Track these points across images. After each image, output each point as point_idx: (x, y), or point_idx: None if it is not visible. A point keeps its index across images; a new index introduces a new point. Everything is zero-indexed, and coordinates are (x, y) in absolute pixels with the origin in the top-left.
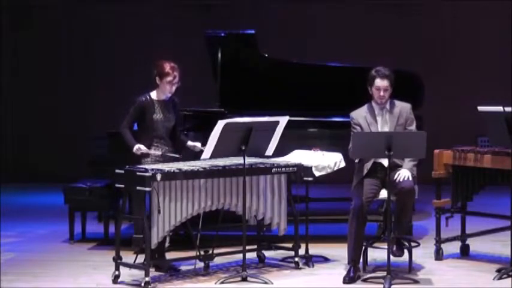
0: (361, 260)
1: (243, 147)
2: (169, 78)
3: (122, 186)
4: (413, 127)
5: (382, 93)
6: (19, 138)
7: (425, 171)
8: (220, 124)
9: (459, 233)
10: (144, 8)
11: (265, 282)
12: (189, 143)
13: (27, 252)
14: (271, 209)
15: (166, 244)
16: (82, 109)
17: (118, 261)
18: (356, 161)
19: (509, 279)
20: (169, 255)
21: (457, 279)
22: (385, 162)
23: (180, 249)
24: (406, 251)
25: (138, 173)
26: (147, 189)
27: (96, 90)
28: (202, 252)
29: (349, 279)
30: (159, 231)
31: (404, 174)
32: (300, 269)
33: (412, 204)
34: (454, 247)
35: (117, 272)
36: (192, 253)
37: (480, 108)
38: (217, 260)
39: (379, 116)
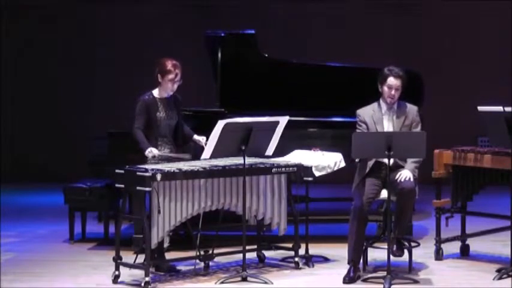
0: (361, 260)
1: (243, 147)
2: (171, 76)
3: (122, 186)
4: (418, 129)
5: (393, 92)
6: (19, 138)
7: (425, 171)
8: (220, 124)
9: (459, 233)
10: (144, 8)
11: (265, 282)
12: (195, 136)
13: (27, 252)
14: (271, 209)
15: (166, 244)
16: (82, 109)
17: (118, 261)
18: (356, 160)
19: (509, 279)
20: (169, 255)
21: (457, 279)
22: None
23: (180, 249)
24: (406, 251)
25: (138, 173)
26: (147, 189)
27: (96, 90)
28: (202, 252)
29: (349, 279)
30: (159, 231)
31: (405, 174)
32: (300, 269)
33: (413, 205)
34: (454, 247)
35: (117, 272)
36: (192, 253)
37: (480, 108)
38: (217, 260)
39: (386, 116)
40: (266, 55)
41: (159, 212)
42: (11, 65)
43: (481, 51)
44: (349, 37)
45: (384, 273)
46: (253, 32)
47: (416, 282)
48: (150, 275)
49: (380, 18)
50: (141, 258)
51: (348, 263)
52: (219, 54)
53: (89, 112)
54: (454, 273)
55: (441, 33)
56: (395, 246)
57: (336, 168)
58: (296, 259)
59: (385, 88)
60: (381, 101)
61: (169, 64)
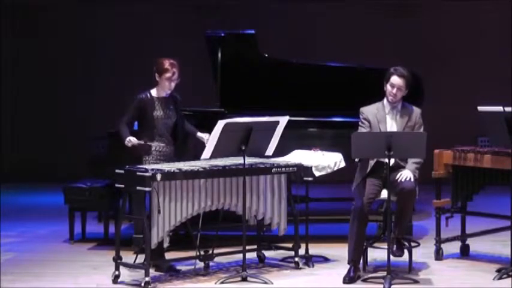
0: (361, 260)
1: (243, 147)
2: (168, 75)
3: (122, 186)
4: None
5: (395, 90)
6: (19, 138)
7: (425, 171)
8: (220, 124)
9: (459, 233)
10: (144, 8)
11: (265, 282)
12: (199, 133)
13: (27, 252)
14: (271, 209)
15: (166, 244)
16: (82, 109)
17: (118, 261)
18: (356, 160)
19: (509, 279)
20: (169, 255)
21: (457, 279)
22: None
23: (180, 249)
24: (406, 251)
25: (138, 173)
26: (147, 189)
27: (96, 90)
28: (202, 252)
29: (349, 279)
30: (159, 231)
31: (406, 175)
32: (300, 269)
33: (413, 205)
34: (454, 247)
35: (117, 272)
36: (192, 253)
37: (480, 108)
38: (217, 260)
39: (390, 115)
40: (266, 55)
41: (159, 212)
42: (11, 65)
43: (481, 51)
44: (349, 37)
45: (384, 273)
46: (253, 32)
47: (416, 282)
48: (150, 275)
49: (380, 19)
50: (141, 258)
51: (348, 263)
52: (219, 54)
53: (89, 112)
54: (454, 273)
55: (441, 33)
56: (395, 246)
57: (336, 168)
58: (296, 259)
59: (388, 86)
60: (385, 100)
61: (166, 63)
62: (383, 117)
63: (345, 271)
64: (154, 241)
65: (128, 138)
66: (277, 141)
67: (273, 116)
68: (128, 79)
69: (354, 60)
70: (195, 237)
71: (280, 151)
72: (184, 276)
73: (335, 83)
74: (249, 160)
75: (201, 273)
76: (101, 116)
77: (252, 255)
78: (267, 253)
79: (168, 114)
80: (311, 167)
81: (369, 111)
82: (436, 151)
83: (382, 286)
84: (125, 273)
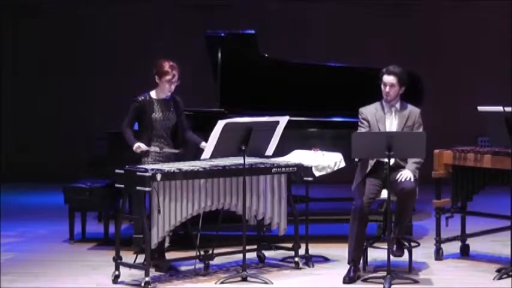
0: (361, 260)
1: (243, 147)
2: (168, 77)
3: (122, 186)
4: (420, 131)
5: (388, 88)
6: (19, 138)
7: (425, 171)
8: (220, 124)
9: (459, 233)
10: (144, 8)
11: (265, 282)
12: (203, 144)
13: (27, 252)
14: (271, 209)
15: (166, 244)
16: (82, 109)
17: (118, 261)
18: (356, 159)
19: (509, 279)
20: (169, 255)
21: (457, 279)
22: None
23: (180, 249)
24: (406, 251)
25: (138, 173)
26: (147, 189)
27: (96, 90)
28: (202, 252)
29: (349, 279)
30: (159, 231)
31: (406, 175)
32: (300, 269)
33: (413, 205)
34: (454, 247)
35: (117, 272)
36: (192, 253)
37: (480, 108)
38: (217, 260)
39: (388, 115)
40: (266, 55)
41: (159, 212)
42: (11, 65)
43: (481, 51)
44: (349, 37)
45: (384, 273)
46: (253, 32)
47: (416, 282)
48: (150, 275)
49: (380, 18)
50: (141, 258)
51: (348, 263)
52: (219, 54)
53: (89, 112)
54: (454, 273)
55: (441, 33)
56: (395, 246)
57: (336, 168)
58: (296, 259)
59: (382, 86)
60: (383, 100)
61: (166, 65)
62: (382, 117)
63: (345, 271)
64: (154, 241)
65: (136, 145)
66: (277, 141)
67: (273, 116)
68: (128, 79)
69: (354, 60)
70: (195, 237)
71: (280, 151)
72: (184, 276)
73: (335, 83)
74: (249, 160)
75: (201, 273)
76: (101, 116)
77: (252, 255)
78: (267, 253)
79: (168, 116)
80: (311, 167)
81: (367, 111)
82: (436, 151)
83: (382, 286)
84: (125, 273)
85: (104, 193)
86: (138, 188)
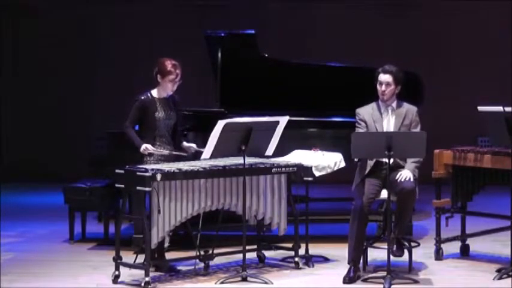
0: (361, 260)
1: (243, 147)
2: (171, 77)
3: (122, 186)
4: (417, 130)
5: (383, 87)
6: (19, 138)
7: (425, 171)
8: (220, 124)
9: (459, 233)
10: (144, 8)
11: (265, 282)
12: (185, 143)
13: (27, 252)
14: (271, 209)
15: (166, 244)
16: (82, 109)
17: (118, 261)
18: (356, 159)
19: (509, 279)
20: (169, 255)
21: (457, 279)
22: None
23: (180, 249)
24: (406, 251)
25: (138, 173)
26: (147, 189)
27: (96, 90)
28: (202, 252)
29: (349, 279)
30: (159, 231)
31: (405, 174)
32: (300, 269)
33: (413, 205)
34: (454, 247)
35: (117, 272)
36: (192, 253)
37: (480, 108)
38: (217, 260)
39: (385, 115)
40: (266, 55)
41: (159, 212)
42: (11, 65)
43: (481, 51)
44: (349, 37)
45: (384, 273)
46: (253, 32)
47: (416, 282)
48: (150, 275)
49: (380, 18)
50: (141, 258)
51: (348, 263)
52: (219, 54)
53: (89, 112)
54: (454, 273)
55: (441, 33)
56: (395, 246)
57: (336, 168)
58: (296, 259)
59: (378, 85)
60: (379, 100)
61: (169, 65)
62: (378, 117)
63: (345, 271)
64: (154, 241)
65: (144, 146)
66: (277, 141)
67: (273, 116)
68: (128, 79)
69: (354, 60)
70: (195, 237)
71: (280, 151)
72: (184, 276)
73: (335, 83)
74: (249, 160)
75: (201, 273)
76: (101, 116)
77: (252, 255)
78: (267, 253)
79: (169, 115)
80: (311, 167)
81: (364, 111)
82: (436, 151)
83: (382, 286)
84: (125, 273)
85: (104, 193)
86: (138, 188)
